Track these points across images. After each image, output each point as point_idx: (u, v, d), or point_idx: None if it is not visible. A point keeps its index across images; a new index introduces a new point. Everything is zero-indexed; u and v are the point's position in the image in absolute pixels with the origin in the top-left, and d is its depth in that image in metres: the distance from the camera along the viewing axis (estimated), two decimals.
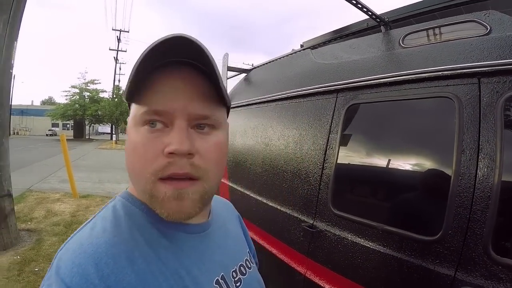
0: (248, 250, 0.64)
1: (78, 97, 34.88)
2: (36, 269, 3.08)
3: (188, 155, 0.40)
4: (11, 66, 3.47)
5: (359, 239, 1.15)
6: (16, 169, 9.31)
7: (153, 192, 0.40)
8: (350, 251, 1.17)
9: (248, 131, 2.36)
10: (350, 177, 1.34)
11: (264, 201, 1.87)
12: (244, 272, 0.56)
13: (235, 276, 0.53)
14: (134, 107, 0.44)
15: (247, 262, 0.59)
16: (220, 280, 0.48)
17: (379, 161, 1.19)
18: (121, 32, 31.48)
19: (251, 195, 2.05)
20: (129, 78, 0.39)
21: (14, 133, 43.82)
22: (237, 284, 0.52)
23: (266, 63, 2.53)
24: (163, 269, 0.41)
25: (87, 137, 40.34)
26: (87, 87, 35.33)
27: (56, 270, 0.36)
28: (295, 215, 1.55)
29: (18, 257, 3.33)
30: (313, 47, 1.88)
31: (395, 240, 1.02)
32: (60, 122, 44.09)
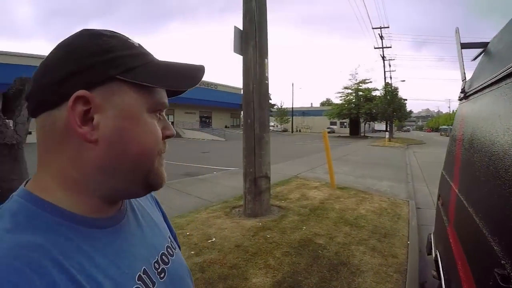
0: (169, 234, 0.62)
1: (352, 97, 37.91)
2: (268, 236, 3.65)
3: None
4: (266, 78, 4.54)
5: None
6: (292, 159, 12.12)
7: (158, 167, 0.48)
8: None
9: (479, 124, 1.72)
10: None
11: (479, 223, 1.30)
12: (167, 261, 0.54)
13: (157, 267, 0.51)
14: (144, 94, 0.45)
15: (168, 249, 0.57)
16: (143, 275, 0.46)
17: None
18: (381, 29, 31.01)
19: (470, 211, 1.47)
20: (184, 68, 0.49)
21: (296, 131, 55.84)
22: (161, 275, 0.50)
23: (508, 24, 1.66)
24: (77, 277, 0.37)
25: (362, 134, 42.68)
26: (359, 87, 37.65)
27: None
28: (497, 252, 1.00)
29: (260, 224, 4.09)
30: None
31: None
32: (337, 121, 50.20)
